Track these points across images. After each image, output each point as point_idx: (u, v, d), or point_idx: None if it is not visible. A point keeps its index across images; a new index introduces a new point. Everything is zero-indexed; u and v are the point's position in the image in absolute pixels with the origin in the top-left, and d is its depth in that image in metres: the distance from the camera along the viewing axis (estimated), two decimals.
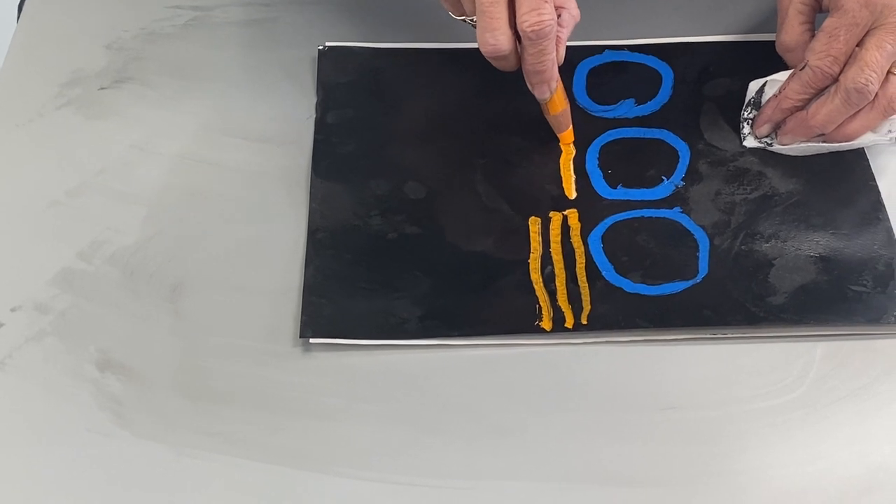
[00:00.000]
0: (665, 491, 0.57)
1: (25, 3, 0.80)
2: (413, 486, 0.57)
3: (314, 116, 0.72)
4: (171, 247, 0.66)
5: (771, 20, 0.74)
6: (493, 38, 0.63)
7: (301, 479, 0.58)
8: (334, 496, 0.57)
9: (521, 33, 0.63)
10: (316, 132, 0.71)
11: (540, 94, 0.67)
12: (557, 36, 0.64)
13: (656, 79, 0.74)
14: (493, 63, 0.65)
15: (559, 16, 0.64)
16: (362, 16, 0.78)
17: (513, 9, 0.62)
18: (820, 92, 0.68)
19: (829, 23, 0.67)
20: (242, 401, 0.60)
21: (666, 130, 0.71)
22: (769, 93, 0.70)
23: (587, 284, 0.64)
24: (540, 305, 0.63)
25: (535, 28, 0.62)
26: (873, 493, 0.57)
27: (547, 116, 0.69)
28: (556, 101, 0.68)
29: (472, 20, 0.65)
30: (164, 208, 0.68)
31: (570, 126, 0.70)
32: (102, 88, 0.74)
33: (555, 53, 0.64)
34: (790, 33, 0.70)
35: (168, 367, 0.61)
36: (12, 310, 0.63)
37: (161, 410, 0.60)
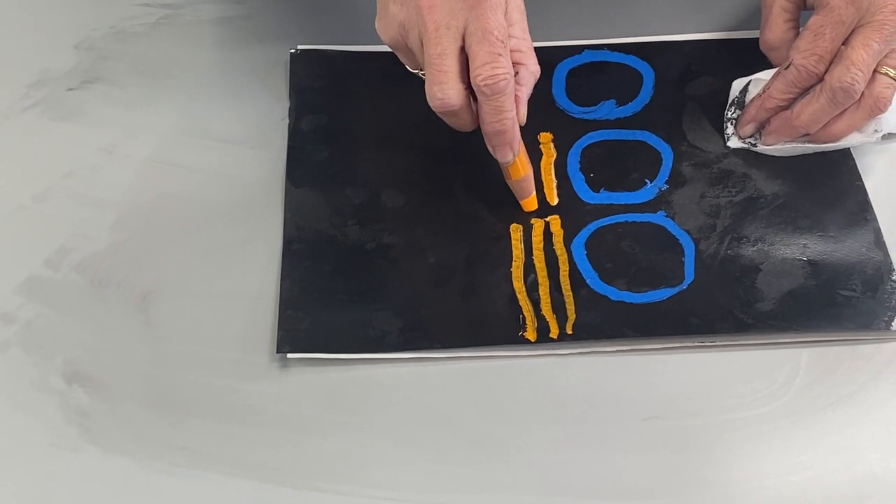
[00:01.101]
0: (651, 502, 0.57)
1: None
2: (392, 501, 0.56)
3: (287, 120, 0.71)
4: (140, 253, 0.65)
5: (754, 17, 0.73)
6: (441, 93, 0.59)
7: (275, 494, 0.56)
8: None
9: (475, 88, 0.60)
10: (290, 139, 0.70)
11: (502, 157, 0.63)
12: (516, 95, 0.61)
13: (637, 79, 0.73)
14: (447, 120, 0.62)
15: (517, 73, 0.61)
16: (337, 14, 0.77)
17: (467, 63, 0.60)
18: (805, 91, 0.67)
19: (814, 21, 0.66)
20: (214, 414, 0.59)
21: (648, 132, 0.70)
22: (753, 92, 0.70)
23: (571, 293, 0.63)
24: (524, 315, 0.62)
25: (490, 83, 0.59)
26: (861, 501, 0.57)
27: (508, 182, 0.66)
28: (518, 166, 0.64)
29: (423, 73, 0.62)
30: (133, 213, 0.67)
31: (534, 192, 0.66)
32: (70, 89, 0.73)
33: (514, 112, 0.61)
34: (774, 31, 0.69)
35: (137, 379, 0.60)
36: None
37: (130, 424, 0.58)
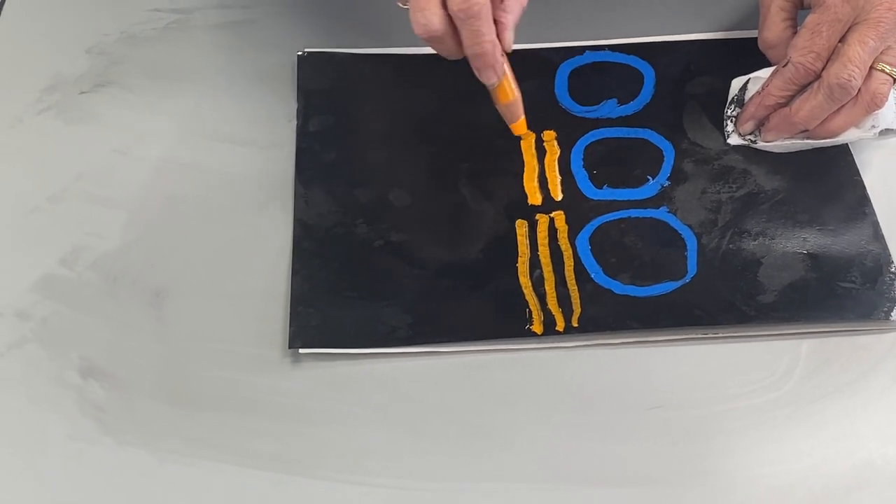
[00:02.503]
0: (654, 490, 0.57)
1: (4, 8, 0.79)
2: (402, 490, 0.57)
3: (295, 121, 0.72)
4: (153, 252, 0.66)
5: (752, 17, 0.74)
6: (424, 18, 0.61)
7: (288, 484, 0.57)
8: (321, 501, 0.57)
9: (451, 14, 0.61)
10: (298, 140, 0.71)
11: (486, 78, 0.64)
12: (500, 21, 0.62)
13: (638, 78, 0.74)
14: (433, 47, 0.63)
15: (502, 0, 0.63)
16: (342, 18, 0.78)
17: None
18: (803, 88, 0.68)
19: (811, 19, 0.67)
20: (227, 406, 0.60)
21: (649, 130, 0.71)
22: (752, 90, 0.70)
23: (576, 287, 0.64)
24: (530, 309, 0.63)
25: (463, 6, 0.60)
26: (860, 490, 0.58)
27: (497, 106, 0.67)
28: (504, 89, 0.66)
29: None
30: (146, 213, 0.68)
31: (523, 116, 0.68)
32: (83, 93, 0.74)
33: (493, 35, 0.62)
34: (772, 30, 0.70)
35: (152, 374, 0.61)
36: None
37: (144, 417, 0.59)
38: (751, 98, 0.70)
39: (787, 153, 0.70)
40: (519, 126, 0.68)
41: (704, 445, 0.59)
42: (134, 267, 0.65)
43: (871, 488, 0.58)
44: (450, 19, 0.61)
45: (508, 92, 0.66)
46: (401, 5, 0.64)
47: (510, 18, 0.63)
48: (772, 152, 0.70)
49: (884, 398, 0.61)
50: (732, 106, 0.71)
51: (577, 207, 0.67)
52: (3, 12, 0.79)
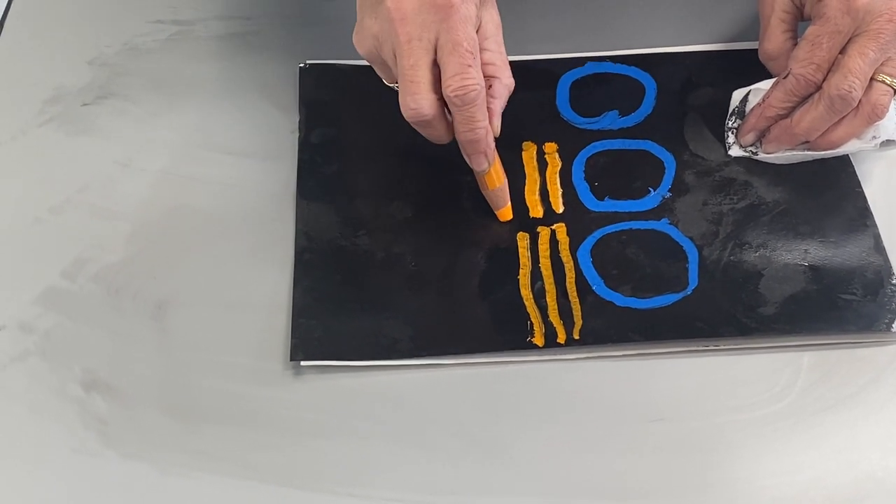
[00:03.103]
0: (656, 502, 0.57)
1: (7, 20, 0.80)
2: (404, 503, 0.57)
3: (297, 133, 0.72)
4: (155, 264, 0.66)
5: (753, 29, 0.74)
6: (414, 102, 0.60)
7: (290, 497, 0.57)
8: None
9: (446, 99, 0.61)
10: (300, 152, 0.71)
11: (476, 165, 0.64)
12: (490, 107, 0.62)
13: (639, 90, 0.74)
14: (422, 132, 0.63)
15: (491, 86, 0.62)
16: (344, 30, 0.78)
17: (440, 75, 0.61)
18: (804, 100, 0.68)
19: (811, 31, 0.67)
20: (229, 419, 0.60)
21: (651, 141, 0.71)
22: (753, 102, 0.71)
23: (578, 299, 0.64)
24: (531, 321, 0.63)
25: (460, 93, 0.60)
26: (861, 502, 0.57)
27: (483, 192, 0.67)
28: (493, 176, 0.65)
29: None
30: (148, 225, 0.68)
31: (509, 203, 0.67)
32: (85, 104, 0.74)
33: (486, 122, 0.62)
34: (773, 42, 0.70)
35: (154, 386, 0.61)
36: None
37: (147, 429, 0.59)
38: (751, 110, 0.70)
39: (788, 165, 0.70)
40: (505, 213, 0.67)
41: (705, 457, 0.59)
42: (136, 279, 0.65)
43: (873, 500, 0.58)
44: (441, 103, 0.62)
45: (496, 178, 0.66)
46: (388, 84, 0.64)
47: (498, 104, 0.63)
48: (773, 164, 0.70)
49: (885, 410, 0.61)
50: (733, 117, 0.71)
51: (578, 219, 0.67)
52: (5, 24, 0.80)
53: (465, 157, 0.64)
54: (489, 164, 0.64)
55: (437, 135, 0.63)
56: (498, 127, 0.64)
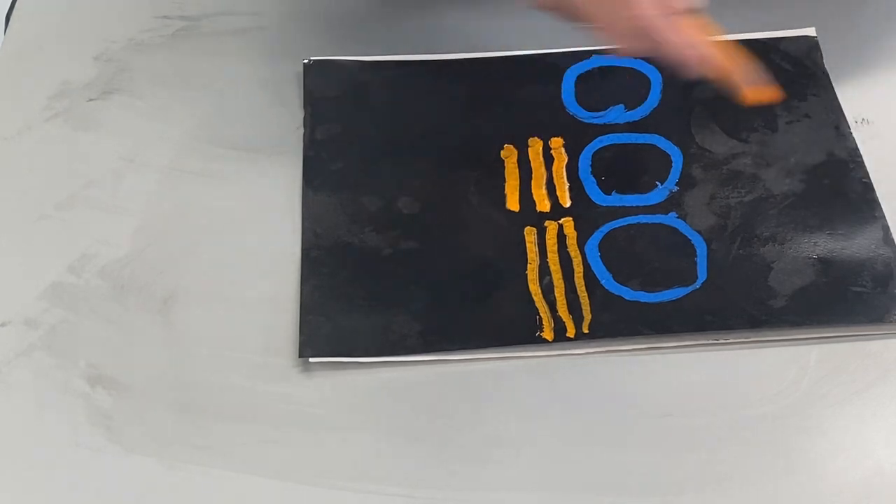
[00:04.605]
0: (665, 498, 0.57)
1: (13, 15, 0.80)
2: (413, 499, 0.57)
3: (302, 129, 0.72)
4: (161, 259, 0.66)
5: (759, 19, 0.74)
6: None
7: (297, 493, 0.57)
8: None
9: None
10: (306, 148, 0.71)
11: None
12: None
13: (645, 83, 0.74)
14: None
15: None
16: (349, 26, 0.78)
17: None
18: None
19: None
20: (236, 415, 0.60)
21: (657, 135, 0.71)
22: None
23: (586, 293, 0.64)
24: (540, 316, 0.63)
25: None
26: (869, 499, 0.57)
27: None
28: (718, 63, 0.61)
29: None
30: (154, 220, 0.68)
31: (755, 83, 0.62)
32: (91, 100, 0.74)
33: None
34: None
35: (160, 381, 0.61)
36: (1, 325, 0.63)
37: (153, 425, 0.59)
38: None
39: (796, 157, 0.69)
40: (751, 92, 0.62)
41: (714, 452, 0.58)
42: (142, 274, 0.65)
43: (881, 496, 0.57)
44: None
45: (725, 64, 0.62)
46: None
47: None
48: (781, 157, 0.69)
49: (893, 406, 0.60)
50: None
51: (585, 214, 0.67)
52: (11, 20, 0.80)
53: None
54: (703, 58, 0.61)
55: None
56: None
